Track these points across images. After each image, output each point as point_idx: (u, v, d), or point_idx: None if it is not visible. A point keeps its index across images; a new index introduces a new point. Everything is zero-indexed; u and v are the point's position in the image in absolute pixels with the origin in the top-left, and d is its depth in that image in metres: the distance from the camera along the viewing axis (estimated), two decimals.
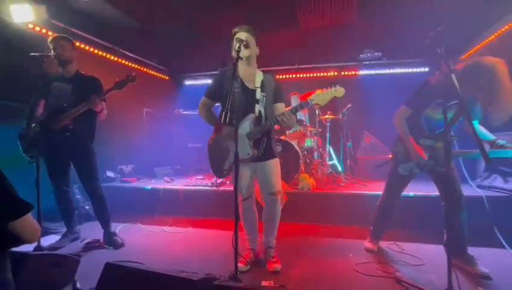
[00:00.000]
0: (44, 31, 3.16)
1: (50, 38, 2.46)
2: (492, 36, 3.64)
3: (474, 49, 4.11)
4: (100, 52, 4.00)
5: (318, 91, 1.86)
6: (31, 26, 3.03)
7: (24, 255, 1.61)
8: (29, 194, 2.61)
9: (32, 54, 2.25)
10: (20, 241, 1.04)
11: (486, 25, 3.61)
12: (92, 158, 2.61)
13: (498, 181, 3.07)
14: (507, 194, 2.78)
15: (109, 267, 1.42)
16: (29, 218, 1.05)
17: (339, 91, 1.83)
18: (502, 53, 3.48)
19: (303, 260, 2.28)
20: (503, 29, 3.43)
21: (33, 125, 2.34)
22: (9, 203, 1.00)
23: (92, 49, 3.86)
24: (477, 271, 1.91)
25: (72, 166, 2.64)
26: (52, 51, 2.42)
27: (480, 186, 3.09)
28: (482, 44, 3.90)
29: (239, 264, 1.91)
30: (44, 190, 2.31)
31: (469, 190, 2.88)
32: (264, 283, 1.81)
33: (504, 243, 2.31)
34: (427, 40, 1.57)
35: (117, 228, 2.98)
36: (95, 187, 2.62)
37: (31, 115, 2.47)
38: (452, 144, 1.66)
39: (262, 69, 2.12)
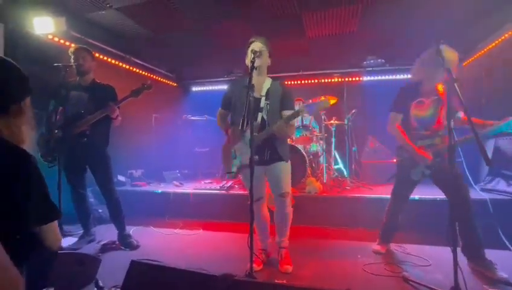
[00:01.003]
0: (63, 41, 3.32)
1: (72, 49, 2.60)
2: (493, 44, 3.74)
3: (475, 56, 4.22)
4: (114, 61, 4.16)
5: (307, 102, 1.94)
6: (50, 36, 3.18)
7: (54, 252, 1.72)
8: None
9: (56, 64, 2.39)
10: (43, 247, 1.01)
11: (487, 32, 3.72)
12: (108, 162, 2.73)
13: (501, 184, 3.14)
14: (510, 197, 2.85)
15: (134, 265, 1.51)
16: (56, 225, 1.03)
17: (325, 104, 1.86)
18: (502, 60, 3.61)
19: (312, 260, 2.36)
20: (503, 37, 3.53)
21: (56, 131, 2.46)
22: (44, 206, 0.99)
23: (106, 58, 4.02)
24: (497, 277, 1.92)
25: (87, 170, 2.75)
26: (73, 61, 2.55)
27: (484, 190, 3.16)
28: (483, 51, 4.00)
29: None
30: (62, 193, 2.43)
31: (473, 193, 2.92)
32: (277, 281, 1.89)
33: (508, 244, 2.37)
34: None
35: (130, 230, 3.05)
36: (111, 190, 2.74)
37: (52, 121, 2.60)
38: (455, 146, 1.74)
39: (269, 75, 2.22)
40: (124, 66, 4.41)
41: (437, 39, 1.66)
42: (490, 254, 2.14)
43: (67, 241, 2.72)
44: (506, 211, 2.67)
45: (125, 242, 2.70)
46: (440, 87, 2.14)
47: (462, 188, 2.03)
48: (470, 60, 4.35)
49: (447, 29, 3.52)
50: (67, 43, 3.36)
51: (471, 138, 1.95)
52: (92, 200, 3.48)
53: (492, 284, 1.86)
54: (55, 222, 1.03)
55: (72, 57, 2.57)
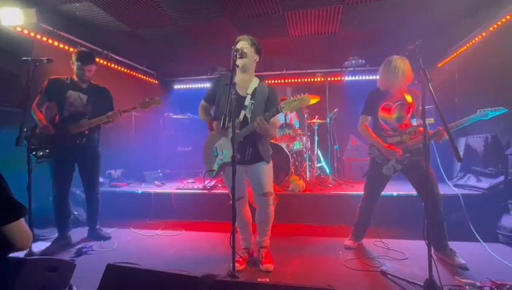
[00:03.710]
0: (33, 34, 3.12)
1: (81, 55, 2.59)
2: (465, 46, 3.95)
3: (449, 58, 4.42)
4: None
5: (288, 98, 1.93)
6: (19, 29, 2.98)
7: (21, 259, 1.61)
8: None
9: (24, 58, 2.23)
10: (12, 248, 0.96)
11: (460, 36, 3.91)
12: (100, 161, 2.79)
13: (472, 180, 3.32)
14: (479, 192, 3.02)
15: (110, 269, 1.45)
16: (23, 223, 0.98)
17: (305, 99, 1.87)
18: (474, 61, 3.81)
19: (295, 258, 2.38)
20: (474, 41, 3.73)
21: (42, 126, 2.45)
22: (4, 205, 0.93)
23: None
24: (456, 262, 2.11)
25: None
26: (78, 68, 2.58)
27: (456, 185, 3.32)
28: (456, 53, 4.21)
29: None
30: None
31: (447, 189, 3.09)
32: (259, 280, 1.89)
33: (478, 237, 2.51)
34: (406, 52, 1.72)
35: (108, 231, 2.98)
36: (97, 190, 2.82)
37: (39, 116, 2.51)
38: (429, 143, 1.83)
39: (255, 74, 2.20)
40: (101, 61, 4.22)
41: (412, 40, 1.71)
42: (462, 246, 2.27)
43: (39, 246, 2.56)
44: (476, 205, 2.83)
45: (96, 235, 2.78)
46: (407, 97, 2.31)
47: (432, 185, 2.13)
48: (445, 61, 4.56)
49: (424, 32, 3.67)
50: (38, 36, 3.17)
51: (442, 132, 2.07)
52: None
53: (463, 276, 1.96)
54: (22, 219, 0.96)
55: (78, 62, 2.57)
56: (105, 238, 2.82)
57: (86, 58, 2.62)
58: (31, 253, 2.15)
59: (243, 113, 2.07)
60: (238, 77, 2.12)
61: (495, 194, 2.88)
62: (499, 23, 3.20)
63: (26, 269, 1.54)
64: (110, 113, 2.62)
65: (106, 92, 2.81)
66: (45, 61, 2.36)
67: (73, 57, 2.59)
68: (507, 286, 1.65)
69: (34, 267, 1.61)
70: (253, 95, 2.11)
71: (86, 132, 2.61)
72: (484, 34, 3.49)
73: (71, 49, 3.68)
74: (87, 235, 2.85)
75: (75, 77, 2.64)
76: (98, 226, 2.87)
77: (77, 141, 2.58)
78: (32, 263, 1.62)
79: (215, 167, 2.17)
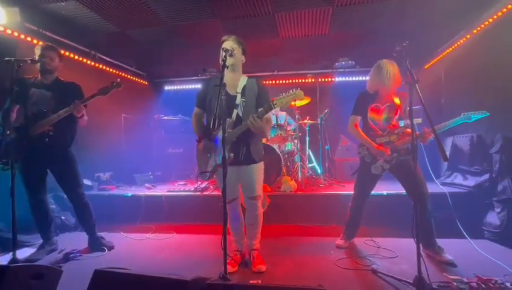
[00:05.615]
0: (16, 34, 3.02)
1: (39, 47, 2.44)
2: (451, 48, 4.05)
3: (435, 59, 4.53)
4: (76, 57, 3.88)
5: (280, 95, 1.91)
6: (1, 28, 2.88)
7: (3, 267, 1.55)
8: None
9: (7, 58, 2.16)
10: None
11: (445, 38, 4.01)
12: (73, 164, 2.58)
13: (458, 178, 3.40)
14: (466, 190, 3.10)
15: (98, 274, 1.41)
16: None
17: (298, 94, 1.87)
18: (458, 63, 3.91)
19: (287, 258, 2.38)
20: (458, 43, 3.83)
21: (8, 132, 2.23)
22: None
23: (67, 53, 3.73)
24: (444, 259, 2.16)
25: (48, 173, 2.56)
26: (41, 56, 2.41)
27: (443, 184, 3.40)
28: (442, 55, 4.31)
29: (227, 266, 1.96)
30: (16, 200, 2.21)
31: (434, 187, 3.16)
32: (252, 282, 1.87)
33: (465, 233, 2.57)
34: (394, 54, 1.75)
35: None
36: (79, 194, 2.60)
37: (7, 121, 2.34)
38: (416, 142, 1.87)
39: (244, 74, 2.20)
40: (88, 62, 4.14)
41: (400, 42, 1.74)
42: (449, 243, 2.32)
43: (23, 253, 2.48)
44: (463, 203, 2.90)
45: (97, 245, 2.61)
46: (395, 99, 2.37)
47: (420, 183, 2.18)
48: (431, 63, 4.67)
49: (411, 34, 3.75)
50: (22, 36, 3.07)
51: (427, 133, 2.14)
52: (53, 206, 3.21)
53: (451, 272, 2.00)
54: None
55: (38, 54, 2.41)
56: (108, 247, 2.64)
57: (47, 46, 2.48)
58: (14, 260, 2.07)
59: (235, 112, 2.06)
60: (228, 76, 2.10)
61: (480, 191, 2.95)
62: (482, 26, 3.30)
63: (8, 277, 1.50)
64: (68, 107, 2.36)
65: (74, 86, 2.58)
66: (29, 61, 2.29)
67: (37, 52, 2.44)
68: (492, 282, 1.69)
69: (17, 275, 1.56)
70: (243, 93, 2.10)
71: (50, 133, 2.39)
72: (468, 36, 3.59)
73: None
74: (88, 244, 2.67)
75: (39, 75, 2.49)
76: (98, 234, 2.69)
77: (40, 142, 2.38)
78: (16, 271, 1.57)
79: (209, 169, 2.14)
